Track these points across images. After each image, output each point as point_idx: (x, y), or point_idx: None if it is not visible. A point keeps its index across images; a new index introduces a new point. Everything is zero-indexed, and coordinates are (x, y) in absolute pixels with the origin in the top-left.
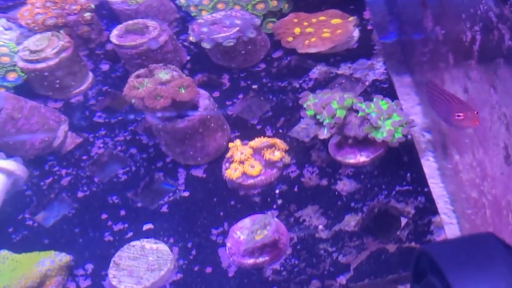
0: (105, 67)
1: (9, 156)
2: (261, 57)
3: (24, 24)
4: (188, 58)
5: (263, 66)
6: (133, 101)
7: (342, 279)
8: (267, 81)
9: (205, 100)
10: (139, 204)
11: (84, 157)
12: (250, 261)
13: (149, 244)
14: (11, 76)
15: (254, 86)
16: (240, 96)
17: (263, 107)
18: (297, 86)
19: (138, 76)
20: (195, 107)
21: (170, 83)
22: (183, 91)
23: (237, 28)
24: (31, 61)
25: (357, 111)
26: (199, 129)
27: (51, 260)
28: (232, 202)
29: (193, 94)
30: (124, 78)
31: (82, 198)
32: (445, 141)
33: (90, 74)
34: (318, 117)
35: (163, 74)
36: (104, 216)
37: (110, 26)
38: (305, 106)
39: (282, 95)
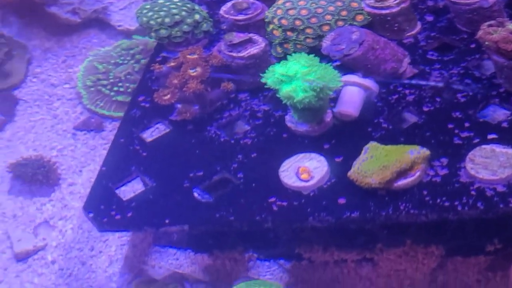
0: (429, 18)
1: (365, 76)
2: None
3: None
4: None
5: None
6: (486, 43)
7: None
8: None
9: None
10: (481, 120)
11: (422, 83)
12: None
13: (498, 149)
14: (359, 18)
15: None
16: None
17: None
18: None
19: (490, 26)
20: None
21: None
22: None
23: None
24: (377, 8)
25: None
26: None
27: (417, 151)
28: None
29: None
30: (449, 28)
31: (427, 111)
32: None
33: (418, 23)
34: None
35: None
36: (450, 126)
37: None
38: None
39: None
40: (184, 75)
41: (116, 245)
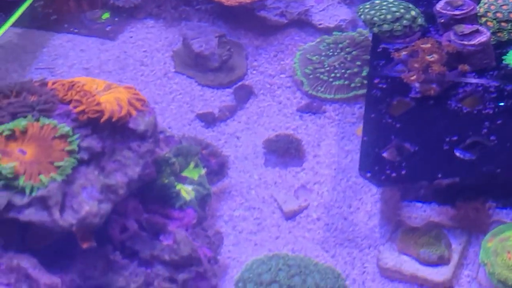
0: None
1: None
2: None
3: None
4: None
5: None
6: None
7: None
8: None
9: None
10: None
11: None
12: None
13: None
14: None
15: None
16: None
17: None
18: None
19: None
20: None
21: None
22: None
23: None
24: None
25: None
26: None
27: None
28: None
29: None
30: None
31: None
32: None
33: None
34: None
35: None
36: None
37: None
38: None
39: None
40: (423, 60)
41: (370, 202)
